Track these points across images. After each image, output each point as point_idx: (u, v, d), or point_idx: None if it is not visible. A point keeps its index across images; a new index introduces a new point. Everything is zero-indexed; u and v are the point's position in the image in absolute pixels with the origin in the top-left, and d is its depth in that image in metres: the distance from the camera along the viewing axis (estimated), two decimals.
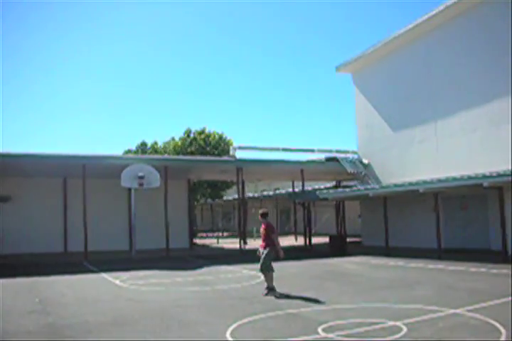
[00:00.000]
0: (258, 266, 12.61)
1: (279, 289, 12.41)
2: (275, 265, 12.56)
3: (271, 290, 12.25)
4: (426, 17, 25.74)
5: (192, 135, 42.94)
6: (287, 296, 11.93)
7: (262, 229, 12.88)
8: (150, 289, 14.06)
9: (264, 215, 13.19)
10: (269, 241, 12.63)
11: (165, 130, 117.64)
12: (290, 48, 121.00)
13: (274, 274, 12.50)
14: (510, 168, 19.06)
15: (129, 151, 51.33)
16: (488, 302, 10.27)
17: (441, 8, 24.76)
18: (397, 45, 28.48)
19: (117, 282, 15.69)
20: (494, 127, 22.46)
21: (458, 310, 9.55)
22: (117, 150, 67.01)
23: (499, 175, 18.27)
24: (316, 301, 11.20)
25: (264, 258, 12.43)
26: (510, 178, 17.88)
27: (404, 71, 28.25)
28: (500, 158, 21.53)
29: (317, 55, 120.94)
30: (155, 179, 24.83)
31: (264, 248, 12.61)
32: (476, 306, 9.89)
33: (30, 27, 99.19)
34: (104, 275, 17.78)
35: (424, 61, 26.80)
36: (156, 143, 50.43)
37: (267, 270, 12.41)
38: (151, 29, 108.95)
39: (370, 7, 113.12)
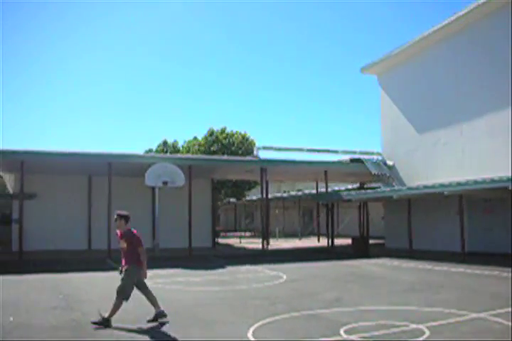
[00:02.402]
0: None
1: (301, 289, 12.34)
2: (297, 265, 12.51)
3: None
4: (453, 18, 25.54)
5: (214, 135, 42.99)
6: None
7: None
8: (172, 288, 14.12)
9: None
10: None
11: (185, 130, 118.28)
12: (315, 48, 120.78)
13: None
14: None
15: (150, 150, 51.54)
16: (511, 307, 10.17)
17: (468, 9, 24.56)
18: (423, 46, 28.30)
19: None
20: None
21: (481, 314, 9.48)
22: (138, 150, 67.39)
23: None
24: (338, 303, 11.18)
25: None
26: None
27: (430, 72, 28.05)
28: None
29: (342, 56, 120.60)
30: (179, 178, 24.91)
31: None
32: (500, 311, 9.80)
33: (41, 26, 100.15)
34: None
35: (450, 63, 26.60)
36: (177, 142, 50.57)
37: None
38: (173, 29, 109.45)
39: (396, 8, 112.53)
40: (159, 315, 9.32)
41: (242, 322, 9.15)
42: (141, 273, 9.61)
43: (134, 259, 9.36)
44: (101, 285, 14.95)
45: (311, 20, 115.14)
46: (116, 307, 9.09)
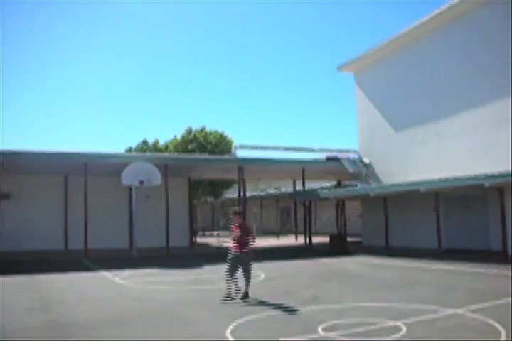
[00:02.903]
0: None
1: (280, 288, 12.37)
2: (275, 264, 12.54)
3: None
4: (428, 17, 25.72)
5: (193, 133, 42.85)
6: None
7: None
8: (150, 287, 14.07)
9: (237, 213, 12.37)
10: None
11: (166, 129, 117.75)
12: (291, 47, 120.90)
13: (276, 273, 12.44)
14: (510, 168, 19.05)
15: (130, 149, 51.25)
16: (488, 303, 10.26)
17: (444, 8, 24.75)
18: (400, 45, 28.46)
19: (117, 280, 15.71)
20: (495, 128, 22.42)
21: (458, 310, 9.55)
22: (118, 148, 66.97)
23: (500, 176, 18.27)
24: (316, 300, 11.20)
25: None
26: (510, 179, 17.88)
27: (407, 71, 28.22)
28: (501, 159, 21.51)
29: (319, 54, 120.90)
30: (156, 177, 24.81)
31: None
32: (476, 306, 9.89)
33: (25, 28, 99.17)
34: (105, 273, 17.81)
35: (426, 61, 26.78)
36: (157, 141, 50.36)
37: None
38: (152, 31, 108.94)
39: (373, 7, 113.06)
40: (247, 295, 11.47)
41: (220, 321, 9.13)
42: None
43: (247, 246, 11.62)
44: (78, 285, 14.86)
45: (288, 18, 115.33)
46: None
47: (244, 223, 12.32)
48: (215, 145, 41.26)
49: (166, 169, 26.11)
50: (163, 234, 25.72)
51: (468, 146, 23.70)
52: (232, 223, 12.13)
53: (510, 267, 16.31)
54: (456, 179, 20.47)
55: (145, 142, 50.76)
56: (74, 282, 15.65)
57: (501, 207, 19.26)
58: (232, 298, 11.24)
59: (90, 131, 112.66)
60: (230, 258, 11.63)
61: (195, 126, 43.46)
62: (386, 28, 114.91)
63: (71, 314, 10.07)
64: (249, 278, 11.58)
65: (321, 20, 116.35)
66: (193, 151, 39.81)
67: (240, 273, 11.66)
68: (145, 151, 46.74)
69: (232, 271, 11.53)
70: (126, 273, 17.63)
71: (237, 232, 11.73)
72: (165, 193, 26.02)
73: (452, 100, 24.82)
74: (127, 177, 24.21)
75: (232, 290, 11.40)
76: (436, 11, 25.14)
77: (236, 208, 12.82)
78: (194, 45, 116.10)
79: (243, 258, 11.56)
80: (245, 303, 11.03)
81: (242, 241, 11.60)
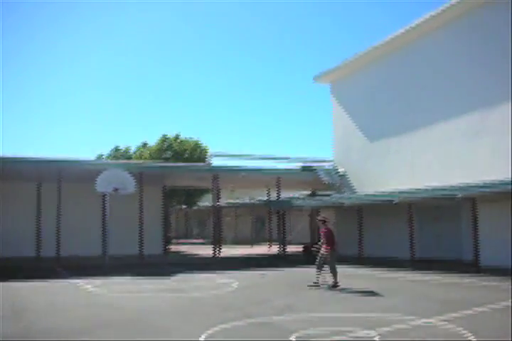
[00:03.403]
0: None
1: (253, 297, 12.39)
2: (248, 273, 12.56)
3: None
4: (403, 30, 26.06)
5: (167, 141, 42.78)
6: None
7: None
8: (123, 295, 13.99)
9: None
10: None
11: (138, 136, 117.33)
12: (269, 55, 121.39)
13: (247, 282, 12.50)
14: (483, 179, 19.33)
15: (101, 156, 50.98)
16: (459, 312, 10.37)
17: (418, 22, 25.12)
18: (375, 56, 28.73)
19: (90, 288, 15.59)
20: (469, 139, 22.71)
21: (430, 320, 9.64)
22: (88, 155, 66.54)
23: (472, 187, 18.53)
24: (289, 309, 11.22)
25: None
26: (483, 190, 18.14)
27: (382, 82, 28.48)
28: (474, 170, 21.82)
29: (297, 63, 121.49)
30: (130, 185, 24.68)
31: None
32: (448, 316, 9.99)
33: None
34: (77, 280, 17.64)
35: (400, 73, 27.06)
36: (129, 148, 50.19)
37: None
38: (123, 36, 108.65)
39: (349, 18, 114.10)
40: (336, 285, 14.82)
41: (194, 330, 9.10)
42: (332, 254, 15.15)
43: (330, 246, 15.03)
44: (50, 293, 14.71)
45: (265, 27, 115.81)
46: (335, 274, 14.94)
47: (327, 228, 15.65)
48: (191, 153, 41.26)
49: (140, 177, 26.00)
50: (137, 241, 25.60)
51: (443, 157, 23.96)
52: (320, 228, 15.96)
53: (481, 277, 16.54)
54: (429, 190, 20.70)
55: (117, 149, 50.56)
56: (45, 290, 15.48)
57: (473, 218, 19.50)
58: (319, 286, 14.82)
59: (60, 137, 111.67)
60: (319, 256, 15.17)
61: (169, 133, 43.44)
62: (362, 39, 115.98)
63: (42, 322, 9.97)
64: (334, 272, 14.96)
65: (299, 29, 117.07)
66: (168, 159, 39.74)
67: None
68: (117, 158, 46.52)
69: (319, 265, 15.09)
70: (99, 281, 17.50)
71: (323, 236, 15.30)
72: (139, 201, 25.91)
73: (427, 111, 25.07)
74: (101, 185, 24.03)
75: (320, 280, 14.92)
76: (411, 25, 25.48)
77: (321, 216, 16.46)
78: (170, 51, 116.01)
79: (325, 257, 15.05)
80: (330, 291, 14.32)
81: (326, 243, 15.14)
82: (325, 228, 15.61)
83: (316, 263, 15.23)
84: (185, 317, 10.48)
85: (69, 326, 9.48)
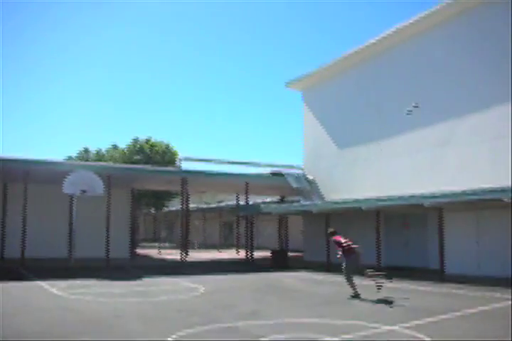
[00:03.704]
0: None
1: (219, 302, 12.34)
2: (215, 278, 12.50)
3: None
4: (373, 40, 26.42)
5: (139, 144, 42.56)
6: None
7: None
8: (88, 298, 13.83)
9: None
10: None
11: (109, 138, 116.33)
12: (242, 59, 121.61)
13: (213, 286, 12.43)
14: (450, 188, 19.57)
15: (69, 158, 50.45)
16: (423, 320, 10.46)
17: (388, 32, 25.54)
18: (345, 65, 28.98)
19: (54, 290, 15.39)
20: (438, 148, 23.02)
21: (394, 327, 9.69)
22: (57, 156, 65.75)
23: (439, 196, 18.72)
24: (255, 315, 11.20)
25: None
26: (450, 199, 18.34)
27: (352, 90, 28.71)
28: (442, 179, 22.14)
29: (270, 68, 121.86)
30: (98, 187, 24.42)
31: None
32: (412, 323, 10.06)
33: None
34: (41, 283, 17.41)
35: (371, 82, 27.35)
36: (99, 150, 49.78)
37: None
38: (96, 39, 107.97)
39: (327, 23, 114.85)
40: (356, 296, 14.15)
41: (158, 334, 9.05)
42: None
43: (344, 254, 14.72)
44: (12, 295, 14.48)
45: (239, 31, 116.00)
46: (353, 284, 14.36)
47: (335, 238, 15.55)
48: (161, 156, 41.11)
49: (109, 179, 25.80)
50: (104, 244, 25.38)
51: (411, 166, 24.24)
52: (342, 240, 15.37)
53: (446, 285, 16.73)
54: (396, 197, 20.86)
55: (86, 150, 50.10)
56: (7, 292, 15.20)
57: (439, 227, 19.67)
58: (359, 296, 14.09)
59: (28, 138, 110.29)
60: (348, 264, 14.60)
61: (141, 136, 43.24)
62: (339, 45, 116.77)
63: (4, 326, 9.79)
64: (348, 281, 14.59)
65: (274, 33, 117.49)
66: (138, 162, 39.51)
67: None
68: (87, 160, 46.10)
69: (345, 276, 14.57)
70: (64, 283, 17.29)
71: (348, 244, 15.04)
72: (107, 203, 25.71)
73: (396, 120, 25.33)
74: (69, 186, 23.73)
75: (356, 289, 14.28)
76: (382, 35, 25.85)
77: (331, 229, 16.41)
78: (142, 56, 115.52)
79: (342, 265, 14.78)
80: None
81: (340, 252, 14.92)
82: (336, 239, 15.43)
83: (346, 272, 14.64)
84: (149, 322, 10.40)
85: (31, 330, 9.34)
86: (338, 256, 15.03)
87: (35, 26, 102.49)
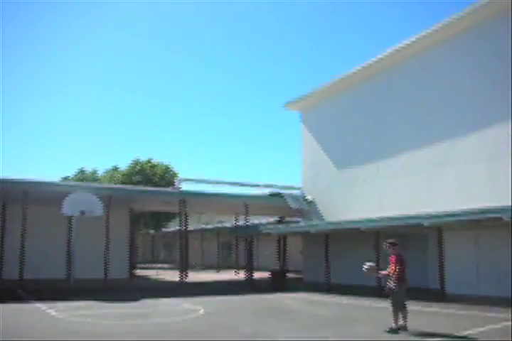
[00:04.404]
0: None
1: (219, 323, 12.25)
2: (215, 299, 12.43)
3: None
4: (371, 61, 26.67)
5: (139, 165, 42.66)
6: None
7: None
8: (86, 320, 13.74)
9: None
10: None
11: (106, 160, 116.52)
12: (240, 80, 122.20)
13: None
14: (449, 208, 19.59)
15: (66, 178, 50.51)
16: None
17: (385, 53, 25.79)
18: (345, 85, 29.17)
19: (52, 312, 15.29)
20: (436, 168, 23.10)
21: None
22: (53, 177, 65.65)
23: (439, 216, 18.73)
24: (255, 336, 11.13)
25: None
26: (449, 219, 18.35)
27: (351, 111, 28.86)
28: (441, 199, 22.17)
29: (269, 89, 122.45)
30: (97, 208, 24.43)
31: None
32: None
33: None
34: (39, 304, 17.31)
35: (369, 102, 27.51)
36: (95, 171, 49.86)
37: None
38: (92, 57, 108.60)
39: (326, 43, 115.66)
40: (403, 328, 11.58)
41: None
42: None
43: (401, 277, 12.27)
44: (9, 317, 14.37)
45: (239, 53, 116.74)
46: (405, 314, 11.84)
47: (399, 255, 12.85)
48: (161, 177, 41.20)
49: (108, 200, 25.81)
50: (103, 265, 25.29)
51: (409, 186, 24.30)
52: (390, 254, 12.90)
53: (447, 305, 16.67)
54: (396, 218, 20.87)
55: (82, 171, 50.19)
56: (6, 313, 15.09)
57: (439, 246, 19.64)
58: (398, 330, 11.58)
59: (25, 158, 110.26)
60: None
61: (140, 158, 43.38)
62: (334, 67, 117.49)
63: None
64: (403, 309, 12.08)
65: (273, 52, 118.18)
66: (138, 183, 39.57)
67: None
68: (82, 181, 46.15)
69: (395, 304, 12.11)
70: (62, 305, 17.19)
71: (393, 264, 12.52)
72: (105, 224, 25.69)
73: (394, 141, 25.46)
74: (68, 207, 23.74)
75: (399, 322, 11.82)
76: (379, 56, 26.06)
77: (390, 240, 12.99)
78: (141, 76, 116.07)
79: (393, 289, 12.32)
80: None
81: (396, 272, 12.42)
82: (396, 254, 12.79)
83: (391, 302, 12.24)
84: None
85: None
86: (392, 284, 12.38)
87: (22, 41, 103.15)
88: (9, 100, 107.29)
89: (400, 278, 12.26)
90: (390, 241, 12.76)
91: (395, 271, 12.34)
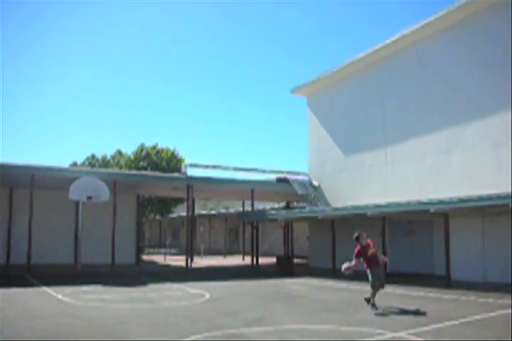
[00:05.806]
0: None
1: (224, 308, 12.31)
2: (221, 284, 12.48)
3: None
4: (378, 46, 26.47)
5: (145, 150, 42.67)
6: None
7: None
8: (93, 305, 13.84)
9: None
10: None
11: (114, 143, 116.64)
12: (247, 66, 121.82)
13: None
14: (455, 195, 19.55)
15: (75, 164, 50.62)
16: (429, 326, 10.41)
17: (392, 38, 25.56)
18: (352, 70, 29.01)
19: (60, 296, 15.40)
20: (443, 155, 23.04)
21: (399, 333, 9.67)
22: (63, 163, 65.81)
23: (445, 202, 18.70)
24: (260, 321, 11.19)
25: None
26: (455, 205, 18.33)
27: (357, 97, 28.73)
28: (447, 185, 22.13)
29: (275, 74, 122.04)
30: (104, 193, 24.51)
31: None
32: (418, 329, 10.02)
33: None
34: (47, 289, 17.44)
35: (376, 88, 27.36)
36: (106, 156, 49.97)
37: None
38: (101, 43, 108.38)
39: (333, 29, 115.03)
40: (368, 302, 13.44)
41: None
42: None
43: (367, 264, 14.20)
44: (17, 301, 14.50)
45: (244, 36, 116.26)
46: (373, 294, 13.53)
47: (359, 246, 14.68)
48: (167, 163, 41.22)
49: (114, 185, 25.88)
50: (110, 250, 25.42)
51: (416, 172, 24.25)
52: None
53: (452, 291, 16.69)
54: (402, 204, 20.84)
55: (93, 156, 50.33)
56: (13, 298, 15.22)
57: (445, 233, 19.62)
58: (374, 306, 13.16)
59: (32, 143, 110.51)
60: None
61: (147, 143, 43.36)
62: (341, 53, 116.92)
63: (8, 331, 9.80)
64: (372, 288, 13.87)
65: (281, 38, 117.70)
66: (144, 168, 39.62)
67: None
68: (94, 166, 46.33)
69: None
70: (70, 289, 17.31)
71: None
72: (113, 209, 25.78)
73: (401, 126, 25.37)
74: (75, 192, 23.83)
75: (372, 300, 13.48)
76: (389, 40, 25.82)
77: (355, 233, 15.05)
78: (148, 62, 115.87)
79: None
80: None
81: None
82: (360, 246, 14.66)
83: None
84: (155, 328, 10.39)
85: (35, 336, 9.34)
86: (347, 265, 14.53)
87: (34, 26, 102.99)
88: (12, 81, 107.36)
89: (368, 265, 14.28)
90: (354, 235, 14.89)
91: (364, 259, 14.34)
